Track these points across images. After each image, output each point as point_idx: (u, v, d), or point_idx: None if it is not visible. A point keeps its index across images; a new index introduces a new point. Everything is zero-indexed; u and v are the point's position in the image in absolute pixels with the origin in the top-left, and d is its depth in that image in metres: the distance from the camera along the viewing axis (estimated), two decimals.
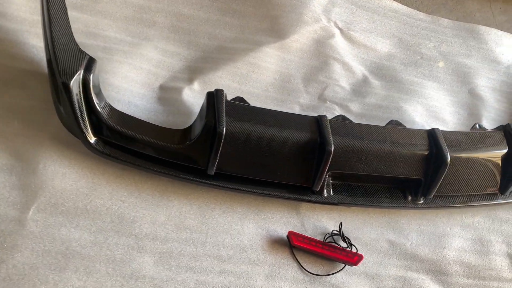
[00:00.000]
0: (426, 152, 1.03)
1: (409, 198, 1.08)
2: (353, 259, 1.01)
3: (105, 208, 0.92)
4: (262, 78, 1.16)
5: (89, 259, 0.88)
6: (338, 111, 1.19)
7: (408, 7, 1.41)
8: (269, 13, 1.19)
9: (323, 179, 0.99)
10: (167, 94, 1.07)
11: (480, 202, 1.14)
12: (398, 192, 1.08)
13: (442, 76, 1.36)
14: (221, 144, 0.91)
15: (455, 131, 1.14)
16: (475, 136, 1.13)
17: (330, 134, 0.96)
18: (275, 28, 1.19)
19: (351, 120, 1.07)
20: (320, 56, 1.23)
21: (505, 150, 1.12)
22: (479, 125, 1.19)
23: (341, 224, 1.03)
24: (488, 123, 1.32)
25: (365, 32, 1.31)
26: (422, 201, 1.08)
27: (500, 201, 1.15)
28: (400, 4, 1.40)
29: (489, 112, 1.35)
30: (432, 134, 1.05)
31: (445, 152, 1.02)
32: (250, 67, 1.15)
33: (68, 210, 0.90)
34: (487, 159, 1.10)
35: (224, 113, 0.92)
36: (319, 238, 1.03)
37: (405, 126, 1.10)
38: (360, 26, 1.31)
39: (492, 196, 1.15)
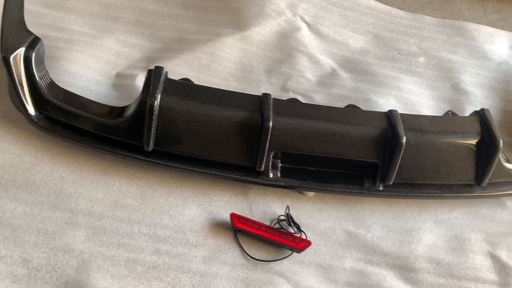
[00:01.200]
0: (380, 133, 0.97)
1: (367, 184, 1.01)
2: (300, 244, 0.94)
3: (44, 182, 0.93)
4: (222, 68, 1.16)
5: (20, 229, 0.88)
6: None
7: (388, 5, 1.39)
8: (231, 6, 1.21)
9: (265, 159, 0.95)
10: (122, 80, 1.09)
11: (453, 194, 1.04)
12: (355, 178, 1.01)
13: (422, 71, 1.30)
14: (153, 118, 0.90)
15: (419, 115, 1.06)
16: (444, 121, 1.05)
17: (271, 111, 0.93)
18: (237, 20, 1.20)
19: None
20: (284, 48, 1.22)
21: (479, 137, 1.02)
22: (452, 112, 1.11)
23: (287, 207, 0.98)
24: None
25: (337, 27, 1.29)
26: (381, 188, 1.00)
27: (477, 193, 1.05)
28: (377, 2, 1.38)
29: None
30: (388, 115, 0.99)
31: (400, 132, 0.95)
32: (210, 57, 1.16)
33: (7, 183, 0.92)
34: (459, 145, 1.01)
35: (160, 88, 0.92)
36: (267, 224, 0.97)
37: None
38: (330, 22, 1.29)
39: (468, 188, 1.05)
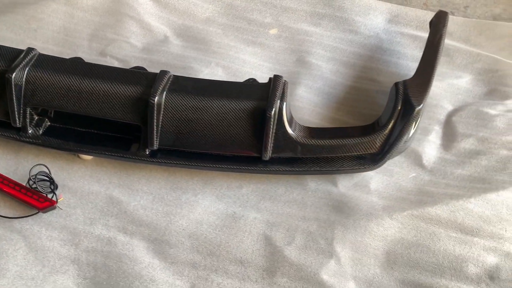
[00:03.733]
0: (140, 94, 0.90)
1: (134, 148, 0.94)
2: (42, 204, 0.90)
3: None
4: (44, 32, 1.16)
5: None
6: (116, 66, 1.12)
7: None
8: None
9: (19, 114, 0.92)
10: None
11: (231, 166, 0.94)
12: (125, 142, 0.96)
13: (269, 43, 1.20)
14: None
15: (200, 78, 0.97)
16: (227, 86, 0.95)
17: (22, 65, 0.91)
18: None
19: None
20: (115, 14, 1.19)
21: (262, 105, 0.91)
22: (253, 80, 1.01)
23: (42, 166, 0.95)
24: (311, 93, 1.11)
25: None
26: (148, 153, 0.94)
27: (259, 167, 0.94)
28: None
29: (316, 82, 1.13)
30: (157, 76, 0.92)
31: (154, 92, 0.88)
32: (33, 21, 1.17)
33: None
34: (237, 112, 0.90)
35: None
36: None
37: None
38: None
39: (252, 162, 0.94)
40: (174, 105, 0.90)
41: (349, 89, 1.13)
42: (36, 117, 0.96)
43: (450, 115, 1.10)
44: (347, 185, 0.97)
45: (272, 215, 0.94)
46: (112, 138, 0.97)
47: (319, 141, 0.93)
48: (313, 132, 0.96)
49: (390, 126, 0.94)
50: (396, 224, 0.92)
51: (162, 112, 0.90)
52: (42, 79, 0.91)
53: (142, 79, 0.92)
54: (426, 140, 1.05)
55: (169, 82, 0.92)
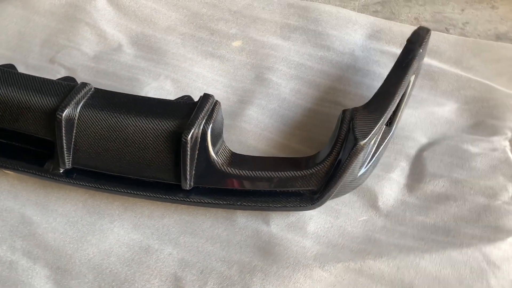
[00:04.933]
0: (51, 107, 0.82)
1: (48, 165, 0.87)
2: None
3: None
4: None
5: None
6: (61, 74, 1.05)
7: None
8: None
9: None
10: None
11: (148, 192, 0.84)
12: (42, 157, 0.88)
13: (230, 56, 1.09)
14: None
15: (124, 93, 0.88)
16: (151, 103, 0.86)
17: None
18: None
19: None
20: (71, 20, 1.13)
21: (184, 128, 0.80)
22: (188, 97, 0.90)
23: None
24: (263, 114, 0.99)
25: (147, 1, 1.16)
26: (62, 172, 0.86)
27: (180, 197, 0.83)
28: None
29: (271, 102, 1.01)
30: (74, 88, 0.85)
31: (63, 106, 0.80)
32: None
33: None
34: (157, 134, 0.81)
35: None
36: None
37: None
38: None
39: (171, 190, 0.84)
40: (87, 121, 0.82)
41: (308, 112, 1.00)
42: None
43: (422, 150, 0.93)
44: (281, 224, 0.84)
45: (190, 253, 0.83)
46: (32, 153, 0.90)
47: (248, 172, 0.81)
48: (244, 160, 0.84)
49: (329, 161, 0.80)
50: (329, 276, 0.78)
51: (75, 128, 0.82)
52: None
53: (58, 91, 0.84)
54: (387, 178, 0.90)
55: (87, 95, 0.84)
